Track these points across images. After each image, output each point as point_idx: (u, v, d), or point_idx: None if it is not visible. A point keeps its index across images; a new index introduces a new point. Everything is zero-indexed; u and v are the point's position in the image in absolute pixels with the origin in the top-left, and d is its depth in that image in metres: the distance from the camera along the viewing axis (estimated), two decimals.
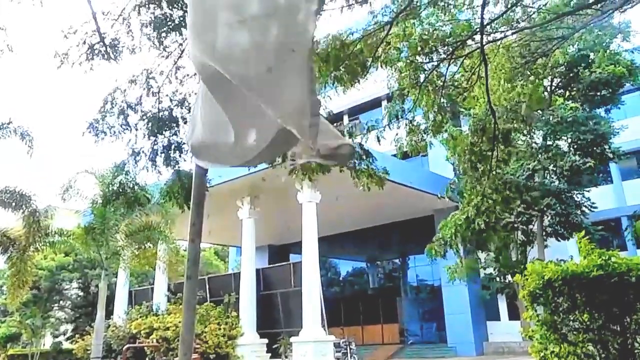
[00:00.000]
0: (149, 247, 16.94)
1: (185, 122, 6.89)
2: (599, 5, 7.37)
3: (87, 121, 7.22)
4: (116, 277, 22.10)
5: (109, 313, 19.15)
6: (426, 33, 7.41)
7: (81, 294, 28.02)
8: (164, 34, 6.47)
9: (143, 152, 7.26)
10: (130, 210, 14.45)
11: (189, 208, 7.20)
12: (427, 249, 15.10)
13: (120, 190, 9.91)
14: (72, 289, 28.00)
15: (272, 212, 20.56)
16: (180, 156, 7.11)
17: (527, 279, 5.34)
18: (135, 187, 9.28)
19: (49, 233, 15.18)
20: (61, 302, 27.93)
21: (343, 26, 7.60)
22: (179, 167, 7.08)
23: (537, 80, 9.47)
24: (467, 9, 7.73)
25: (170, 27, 6.37)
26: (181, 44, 6.65)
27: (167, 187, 7.22)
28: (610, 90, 16.75)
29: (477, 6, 7.17)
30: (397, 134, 8.40)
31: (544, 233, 16.42)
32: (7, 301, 15.12)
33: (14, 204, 13.53)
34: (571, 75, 16.45)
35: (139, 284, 27.69)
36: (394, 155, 11.51)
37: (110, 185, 13.80)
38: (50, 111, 76.33)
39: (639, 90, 21.54)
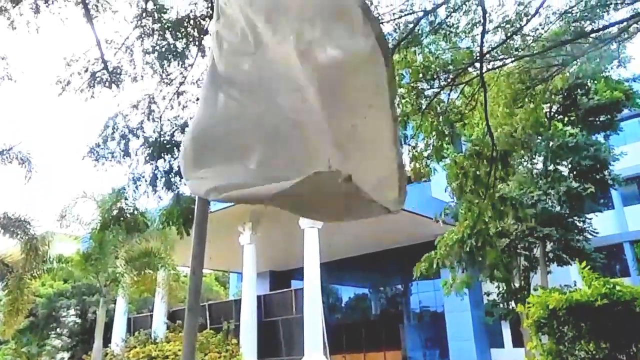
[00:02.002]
0: (149, 273, 16.81)
1: None
2: (597, 35, 7.47)
3: (88, 145, 7.24)
4: (115, 304, 21.87)
5: (106, 341, 18.89)
6: (427, 60, 7.49)
7: (78, 321, 27.65)
8: (166, 62, 6.53)
9: (143, 177, 7.26)
10: (129, 236, 14.39)
11: (187, 234, 7.20)
12: (415, 268, 15.09)
13: (120, 215, 9.87)
14: (69, 316, 27.65)
15: (274, 237, 20.46)
16: (180, 181, 7.10)
17: (531, 308, 5.28)
18: (135, 212, 9.25)
19: (46, 260, 15.05)
20: (58, 329, 27.54)
21: None
22: (179, 191, 7.07)
23: (536, 106, 9.53)
24: (467, 37, 7.83)
25: (174, 55, 6.44)
26: (182, 73, 6.71)
27: (166, 211, 7.19)
28: (609, 115, 16.85)
29: (477, 35, 7.26)
30: None
31: (546, 258, 16.31)
32: (2, 329, 14.90)
33: (12, 229, 13.46)
34: (568, 102, 16.58)
35: (138, 310, 27.39)
36: None
37: (110, 211, 13.78)
38: (50, 123, 76.77)
39: (638, 117, 21.67)
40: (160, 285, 17.57)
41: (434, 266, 14.85)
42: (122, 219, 9.52)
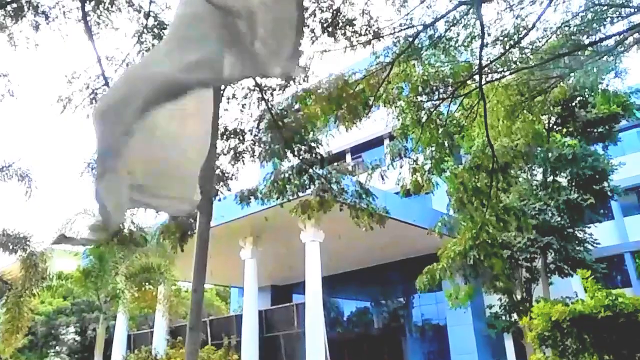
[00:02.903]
0: (150, 289, 16.72)
1: None
2: (594, 47, 7.52)
3: (85, 161, 7.25)
4: (115, 320, 21.73)
5: (106, 358, 18.74)
6: (427, 73, 7.53)
7: (78, 338, 27.43)
8: None
9: None
10: (129, 252, 14.33)
11: (182, 250, 7.14)
12: (418, 281, 15.03)
13: (117, 230, 9.81)
14: (68, 334, 27.43)
15: (275, 251, 20.37)
16: None
17: (534, 320, 5.26)
18: (132, 227, 9.19)
19: (46, 277, 14.94)
20: (57, 347, 27.31)
21: (345, 67, 7.73)
22: None
23: (535, 117, 9.57)
24: (466, 50, 7.88)
25: None
26: None
27: (162, 226, 7.18)
28: (607, 127, 16.91)
29: (476, 48, 7.31)
30: (400, 173, 8.43)
31: (547, 270, 16.27)
32: (1, 348, 14.73)
33: (11, 246, 13.39)
34: (566, 114, 16.64)
35: (139, 327, 27.19)
36: (397, 193, 11.51)
37: None
38: (51, 138, 76.87)
39: (636, 127, 21.75)
40: (161, 301, 17.45)
41: (437, 278, 14.79)
42: (119, 234, 9.48)
